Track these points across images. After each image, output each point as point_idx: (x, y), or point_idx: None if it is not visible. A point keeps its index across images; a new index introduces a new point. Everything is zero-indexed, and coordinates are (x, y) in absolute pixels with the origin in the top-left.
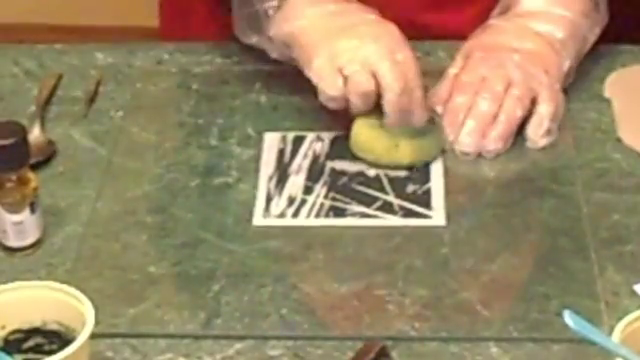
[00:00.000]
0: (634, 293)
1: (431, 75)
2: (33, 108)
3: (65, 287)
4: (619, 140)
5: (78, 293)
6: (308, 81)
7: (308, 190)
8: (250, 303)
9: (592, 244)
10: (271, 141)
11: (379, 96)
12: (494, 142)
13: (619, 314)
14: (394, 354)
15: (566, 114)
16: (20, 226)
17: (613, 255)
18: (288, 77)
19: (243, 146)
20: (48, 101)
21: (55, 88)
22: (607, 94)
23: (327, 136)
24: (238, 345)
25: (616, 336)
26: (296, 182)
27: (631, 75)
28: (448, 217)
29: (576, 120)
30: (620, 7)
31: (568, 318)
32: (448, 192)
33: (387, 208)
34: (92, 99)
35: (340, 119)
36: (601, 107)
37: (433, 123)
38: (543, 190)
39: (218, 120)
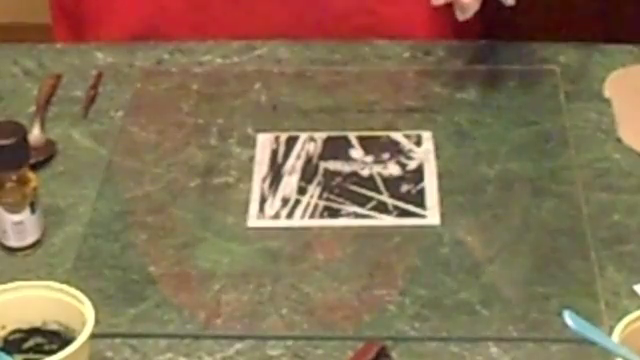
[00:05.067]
0: (634, 293)
1: (431, 75)
2: (33, 108)
3: (65, 287)
4: (619, 140)
5: (78, 293)
6: (308, 81)
7: (302, 191)
8: (250, 303)
9: (592, 244)
10: (264, 142)
11: None
12: None
13: (619, 314)
14: (394, 354)
15: (566, 114)
16: (20, 226)
17: (613, 255)
18: (288, 77)
19: (243, 146)
20: (48, 101)
21: (55, 88)
22: (607, 94)
23: (320, 136)
24: (238, 345)
25: (616, 336)
26: (290, 183)
27: (631, 75)
28: (443, 217)
29: (576, 120)
30: (620, 7)
31: (568, 318)
32: (446, 192)
33: (381, 208)
34: (92, 99)
35: (337, 120)
36: (601, 107)
37: None
38: (543, 190)
39: (218, 120)
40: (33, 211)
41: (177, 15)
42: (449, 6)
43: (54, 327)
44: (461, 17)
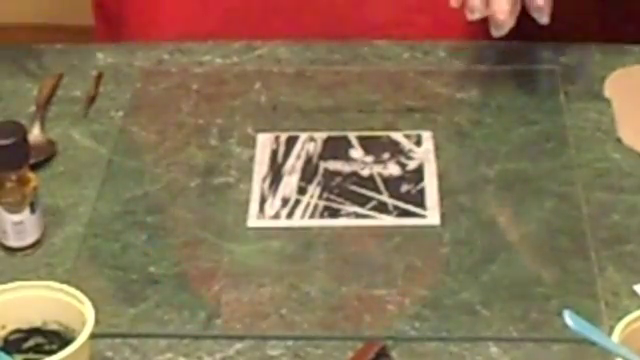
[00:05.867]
0: (634, 293)
1: (431, 75)
2: (33, 108)
3: (65, 287)
4: (619, 140)
5: (78, 293)
6: (308, 81)
7: (302, 191)
8: (250, 303)
9: (592, 244)
10: (264, 142)
11: None
12: (502, 12)
13: (619, 314)
14: (394, 354)
15: (566, 114)
16: (20, 226)
17: (613, 255)
18: (288, 77)
19: (243, 146)
20: (48, 101)
21: (55, 88)
22: (607, 94)
23: (320, 136)
24: (238, 345)
25: (616, 336)
26: (290, 183)
27: (631, 75)
28: (443, 217)
29: (576, 120)
30: (620, 7)
31: (568, 318)
32: (446, 192)
33: (381, 208)
34: (92, 99)
35: (337, 120)
36: (601, 107)
37: None
38: (543, 190)
39: (218, 120)
40: (33, 211)
41: (217, 22)
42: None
43: (54, 327)
44: (496, 33)
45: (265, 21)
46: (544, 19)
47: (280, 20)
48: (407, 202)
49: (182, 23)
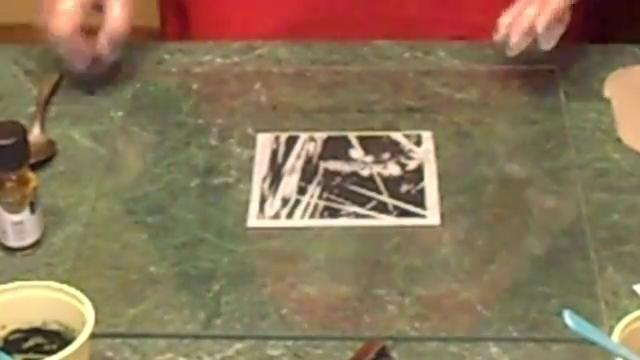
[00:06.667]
0: (634, 293)
1: (431, 75)
2: (33, 108)
3: (65, 287)
4: (619, 140)
5: (78, 293)
6: (308, 81)
7: (302, 191)
8: (250, 303)
9: (592, 244)
10: (264, 142)
11: None
12: (516, 35)
13: (619, 314)
14: (394, 354)
15: (566, 114)
16: (20, 226)
17: (613, 255)
18: (288, 77)
19: (243, 146)
20: (48, 101)
21: (55, 88)
22: (607, 94)
23: (320, 136)
24: (238, 345)
25: (616, 336)
26: (290, 183)
27: (631, 75)
28: (443, 217)
29: (576, 120)
30: (620, 7)
31: (568, 318)
32: (446, 192)
33: (381, 208)
34: (92, 92)
35: (337, 120)
36: (601, 107)
37: None
38: (543, 190)
39: (218, 120)
40: (33, 211)
41: (282, 27)
42: None
43: (54, 327)
44: (510, 53)
45: (330, 26)
46: (545, 46)
47: (345, 26)
48: (407, 202)
49: (248, 25)
